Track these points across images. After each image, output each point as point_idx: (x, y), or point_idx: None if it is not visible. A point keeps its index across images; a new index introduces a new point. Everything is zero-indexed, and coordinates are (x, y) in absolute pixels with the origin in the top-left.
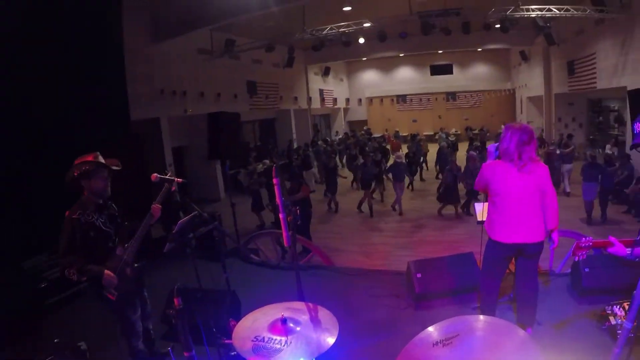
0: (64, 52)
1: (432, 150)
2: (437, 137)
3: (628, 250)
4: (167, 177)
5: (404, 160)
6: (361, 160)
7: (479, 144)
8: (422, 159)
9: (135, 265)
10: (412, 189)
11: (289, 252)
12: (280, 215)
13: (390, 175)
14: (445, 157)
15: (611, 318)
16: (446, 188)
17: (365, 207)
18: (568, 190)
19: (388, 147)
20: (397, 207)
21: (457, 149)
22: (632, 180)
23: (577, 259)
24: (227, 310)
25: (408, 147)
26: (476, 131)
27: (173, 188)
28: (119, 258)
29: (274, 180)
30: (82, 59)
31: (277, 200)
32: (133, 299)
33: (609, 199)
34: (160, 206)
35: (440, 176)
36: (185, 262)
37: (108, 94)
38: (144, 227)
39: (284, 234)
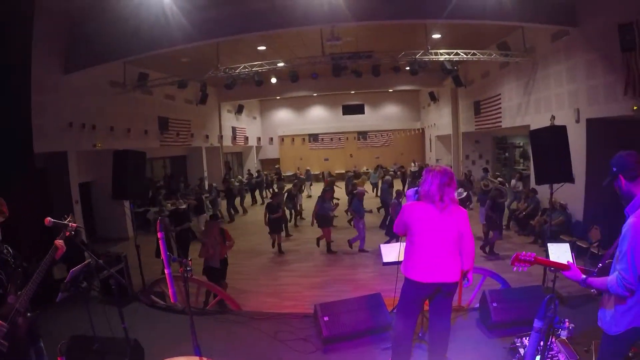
0: None
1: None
2: (348, 175)
3: (583, 276)
4: (61, 221)
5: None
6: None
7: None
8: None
9: (29, 314)
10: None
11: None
12: (166, 271)
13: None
14: (386, 194)
15: (521, 350)
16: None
17: (322, 244)
18: None
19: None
20: (353, 244)
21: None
22: (537, 212)
23: (515, 269)
24: None
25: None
26: (390, 169)
27: (67, 233)
28: (11, 307)
29: (159, 235)
30: None
31: (162, 255)
32: (27, 350)
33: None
34: (62, 241)
35: (381, 211)
36: (89, 308)
37: (10, 125)
38: (40, 272)
39: (170, 291)
